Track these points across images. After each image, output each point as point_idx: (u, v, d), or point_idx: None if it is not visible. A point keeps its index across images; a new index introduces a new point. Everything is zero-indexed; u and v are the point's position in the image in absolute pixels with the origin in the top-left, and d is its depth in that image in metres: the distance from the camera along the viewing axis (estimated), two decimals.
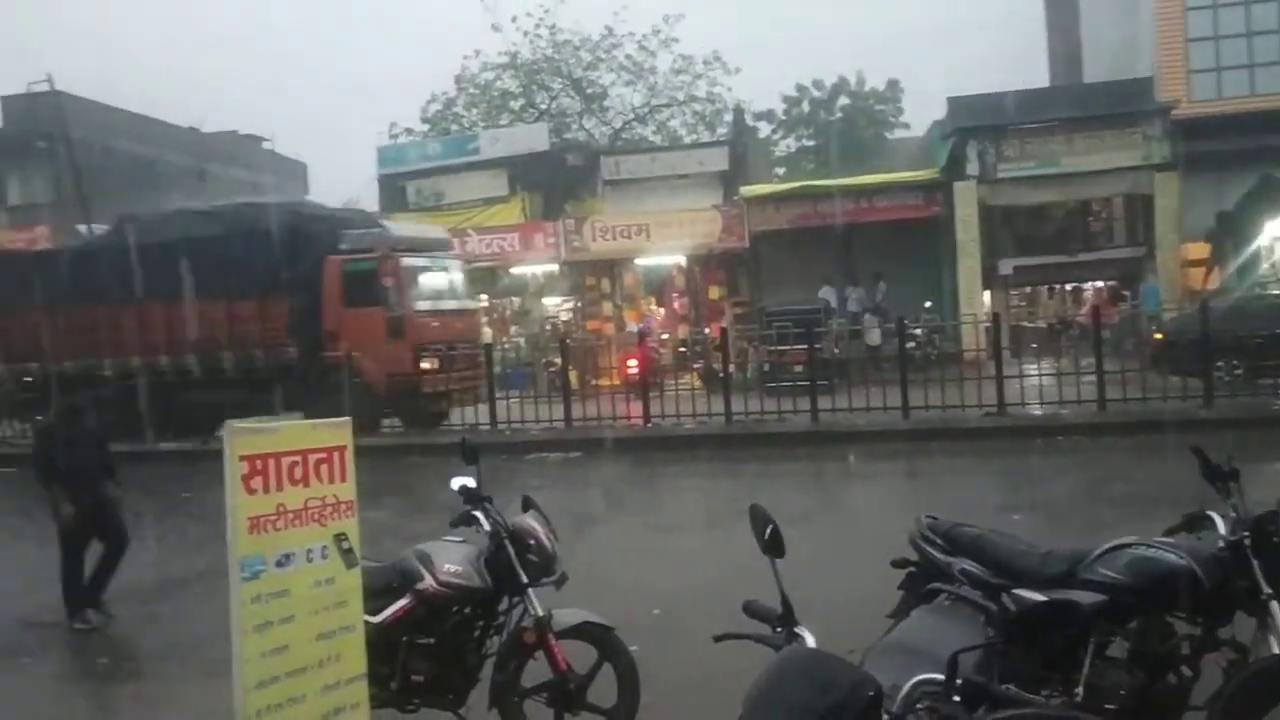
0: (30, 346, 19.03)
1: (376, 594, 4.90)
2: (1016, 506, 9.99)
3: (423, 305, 17.41)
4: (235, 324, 17.69)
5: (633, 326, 22.84)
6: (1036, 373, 16.39)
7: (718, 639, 3.20)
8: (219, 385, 17.33)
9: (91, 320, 18.50)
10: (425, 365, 17.07)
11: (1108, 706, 3.92)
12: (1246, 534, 4.02)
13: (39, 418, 12.52)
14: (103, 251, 19.17)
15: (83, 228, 28.83)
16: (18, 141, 32.08)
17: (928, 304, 21.95)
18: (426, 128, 39.50)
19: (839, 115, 43.68)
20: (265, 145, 46.66)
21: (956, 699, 2.35)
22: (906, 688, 2.48)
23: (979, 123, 22.66)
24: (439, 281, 18.29)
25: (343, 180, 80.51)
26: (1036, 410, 15.05)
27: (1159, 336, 16.27)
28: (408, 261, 17.39)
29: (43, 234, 32.00)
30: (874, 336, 20.52)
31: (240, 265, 17.51)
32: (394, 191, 27.77)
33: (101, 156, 33.36)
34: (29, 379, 19.24)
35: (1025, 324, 22.21)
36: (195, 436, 16.34)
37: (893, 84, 44.10)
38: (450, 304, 18.23)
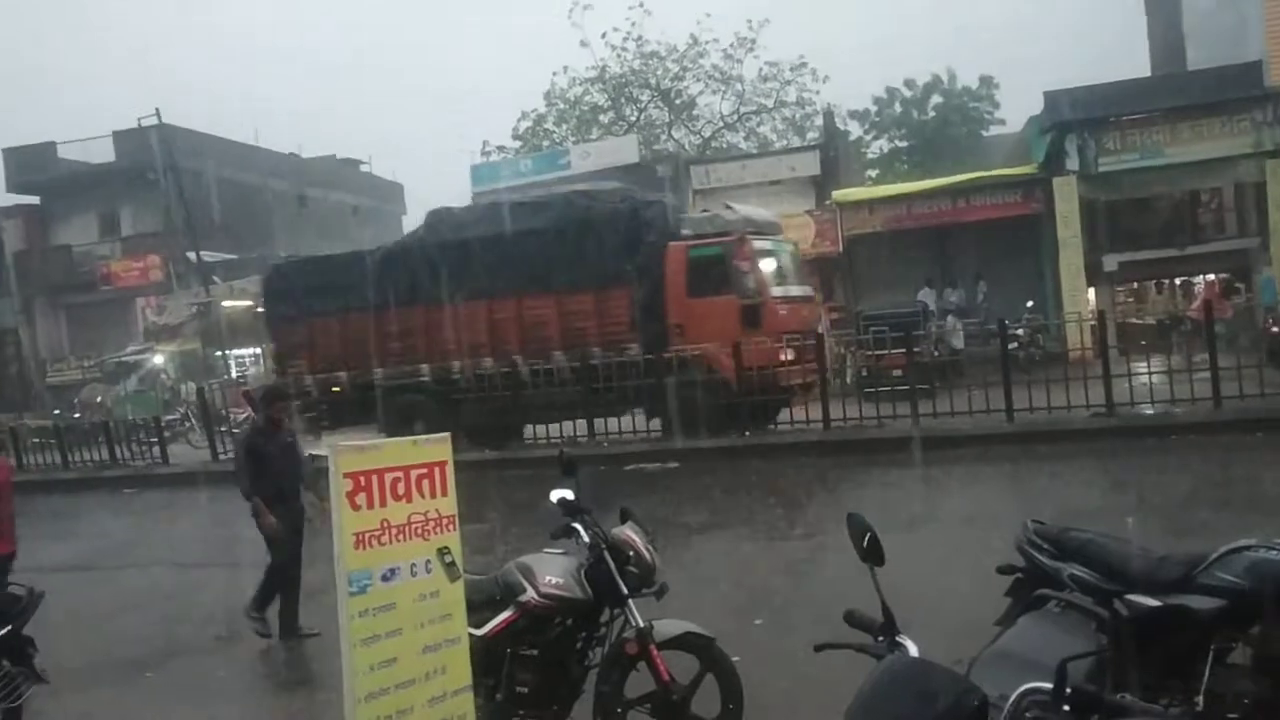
0: (339, 354, 18.29)
1: (479, 606, 4.97)
2: (1128, 509, 9.69)
3: (775, 292, 16.38)
4: (568, 321, 16.61)
5: None
6: (1146, 371, 15.89)
7: (819, 649, 3.18)
8: (551, 387, 16.52)
9: (406, 324, 17.65)
10: (785, 356, 15.99)
11: (1230, 716, 3.77)
12: None
13: (239, 429, 12.38)
14: (415, 251, 17.99)
15: (193, 255, 29.93)
16: (129, 174, 33.40)
17: (1030, 303, 21.47)
18: (518, 145, 40.04)
19: (932, 114, 43.01)
20: (363, 168, 47.75)
21: (1066, 708, 2.29)
22: (1014, 697, 2.42)
23: (1078, 116, 22.11)
24: (783, 266, 17.22)
25: (438, 200, 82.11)
26: (1147, 409, 14.58)
27: (1277, 330, 15.68)
28: (758, 244, 16.41)
29: (154, 263, 33.29)
30: (957, 340, 20.12)
31: (572, 257, 16.39)
32: None
33: (208, 186, 34.58)
34: (336, 389, 18.50)
35: (1133, 321, 21.55)
36: (517, 443, 16.59)
37: (986, 80, 43.29)
38: (795, 290, 17.24)
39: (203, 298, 29.19)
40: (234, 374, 29.15)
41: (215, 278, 30.51)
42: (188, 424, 23.19)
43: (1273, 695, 3.85)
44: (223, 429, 21.22)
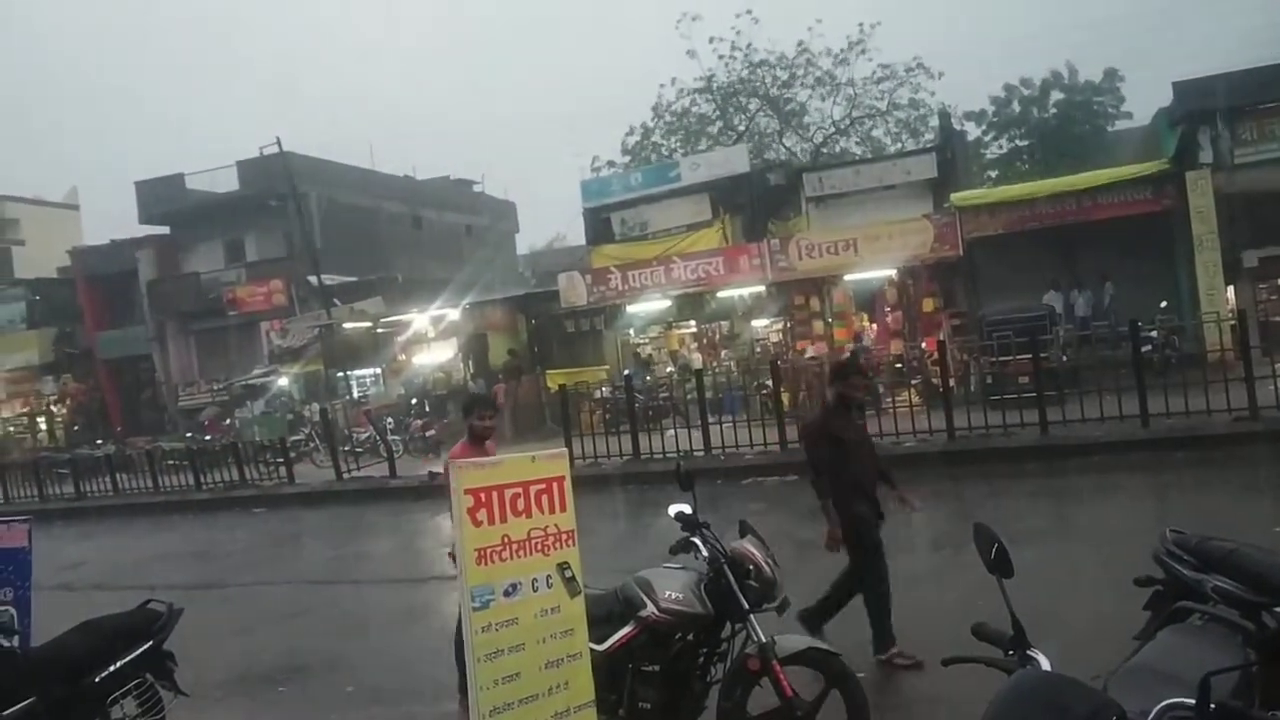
0: None
1: (600, 622, 4.97)
2: (1276, 518, 9.24)
3: None
4: None
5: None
6: None
7: (947, 663, 3.10)
8: None
9: None
10: None
11: None
12: None
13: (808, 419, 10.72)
14: None
15: (313, 278, 30.83)
16: (252, 202, 34.61)
17: (1163, 304, 20.64)
18: (627, 159, 40.29)
19: (1053, 111, 41.81)
20: (476, 188, 48.63)
21: None
22: (1154, 713, 2.32)
23: (1210, 106, 21.20)
24: None
25: (551, 216, 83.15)
26: None
27: None
28: None
29: (277, 287, 34.44)
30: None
31: None
32: (599, 224, 28.38)
33: (327, 210, 35.64)
34: None
35: (1277, 319, 20.55)
36: None
37: (1110, 73, 41.89)
38: None
39: (324, 320, 30.05)
40: (355, 394, 29.93)
41: (335, 300, 31.38)
42: (312, 444, 23.90)
43: None
44: (345, 448, 21.81)
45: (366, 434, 23.49)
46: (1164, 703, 2.31)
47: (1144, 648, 3.65)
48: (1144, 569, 4.55)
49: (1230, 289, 21.22)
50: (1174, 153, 21.75)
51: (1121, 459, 13.32)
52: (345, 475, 20.54)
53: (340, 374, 30.15)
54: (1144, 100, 43.86)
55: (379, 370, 31.05)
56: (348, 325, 29.28)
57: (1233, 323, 16.08)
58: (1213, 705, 2.16)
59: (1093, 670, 3.27)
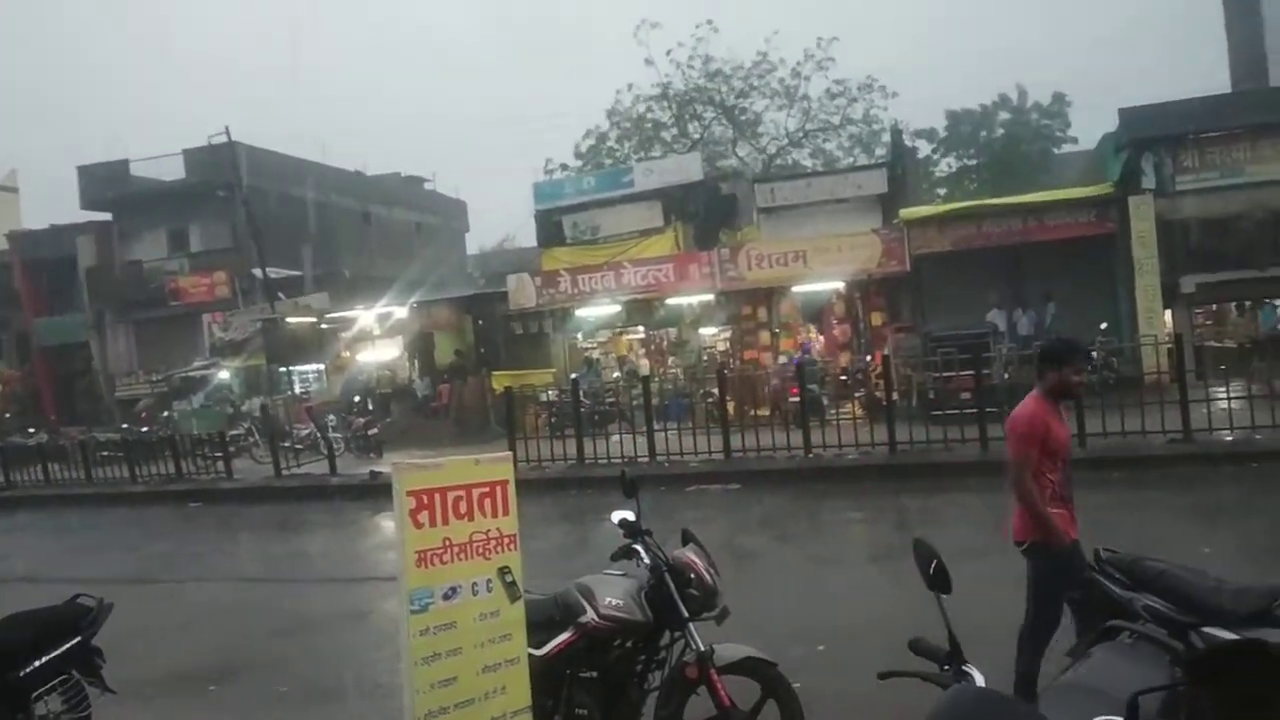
0: None
1: (539, 627, 4.95)
2: (1205, 539, 9.44)
3: None
4: None
5: (785, 356, 22.67)
6: (1225, 396, 15.48)
7: (883, 676, 3.12)
8: None
9: None
10: None
11: None
12: None
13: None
14: None
15: (259, 271, 30.44)
16: (199, 192, 34.16)
17: (1103, 325, 21.02)
18: (580, 162, 40.28)
19: (1001, 132, 42.46)
20: (427, 185, 48.36)
21: None
22: None
23: (1154, 133, 21.67)
24: None
25: (501, 217, 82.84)
26: (1226, 436, 14.20)
27: None
28: None
29: (221, 279, 33.99)
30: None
31: None
32: (550, 226, 28.34)
33: (275, 202, 35.24)
34: None
35: (1212, 344, 21.03)
36: None
37: (1058, 97, 42.64)
38: None
39: (267, 314, 29.70)
40: (297, 390, 29.60)
41: (280, 294, 31.02)
42: (252, 439, 23.58)
43: None
44: (285, 445, 21.54)
45: (307, 431, 23.22)
46: None
47: (1075, 665, 3.71)
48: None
49: (1168, 313, 21.67)
50: (1118, 177, 22.17)
51: None
52: (284, 472, 20.30)
53: (283, 369, 29.77)
54: (1091, 125, 44.67)
55: (322, 367, 30.71)
56: (292, 320, 28.94)
57: (1169, 346, 16.41)
58: None
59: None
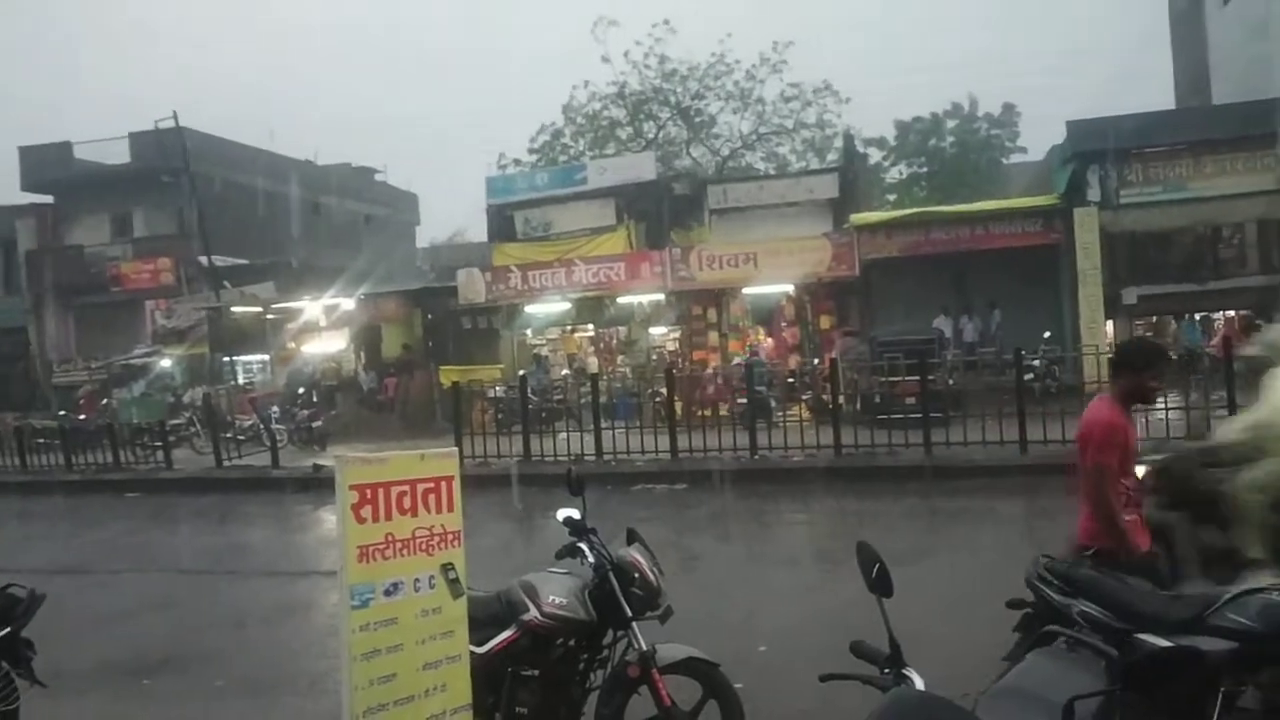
0: None
1: (481, 624, 4.92)
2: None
3: None
4: None
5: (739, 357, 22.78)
6: (1163, 407, 15.77)
7: (824, 679, 3.14)
8: None
9: None
10: None
11: None
12: None
13: None
14: None
15: (204, 259, 30.02)
16: (144, 176, 33.55)
17: (1047, 334, 21.34)
18: (534, 158, 40.17)
19: (951, 141, 42.98)
20: (378, 177, 47.97)
21: None
22: None
23: (1100, 147, 22.01)
24: None
25: (453, 211, 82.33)
26: (1164, 445, 14.44)
27: None
28: None
29: (165, 266, 33.44)
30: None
31: None
32: (502, 221, 28.19)
33: (222, 189, 34.75)
34: None
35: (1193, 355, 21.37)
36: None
37: (1009, 108, 43.29)
38: None
39: (212, 302, 29.27)
40: (240, 380, 29.21)
41: (226, 283, 30.60)
42: (193, 429, 23.22)
43: None
44: (227, 435, 21.26)
45: (250, 422, 22.92)
46: None
47: (1012, 669, 3.75)
48: (1017, 592, 4.68)
49: (1110, 323, 22.05)
50: (1064, 189, 22.51)
51: (1000, 483, 13.71)
52: (226, 463, 20.03)
53: (226, 359, 29.39)
54: (1040, 137, 45.37)
55: (267, 357, 30.35)
56: (237, 309, 28.57)
57: (1110, 356, 16.67)
58: None
59: (964, 689, 3.35)
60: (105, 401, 29.25)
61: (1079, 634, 4.04)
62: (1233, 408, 14.02)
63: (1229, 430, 6.83)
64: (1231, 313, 22.84)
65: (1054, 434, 14.42)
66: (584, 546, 5.15)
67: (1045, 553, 4.69)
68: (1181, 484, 6.63)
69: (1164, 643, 3.92)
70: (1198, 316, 23.86)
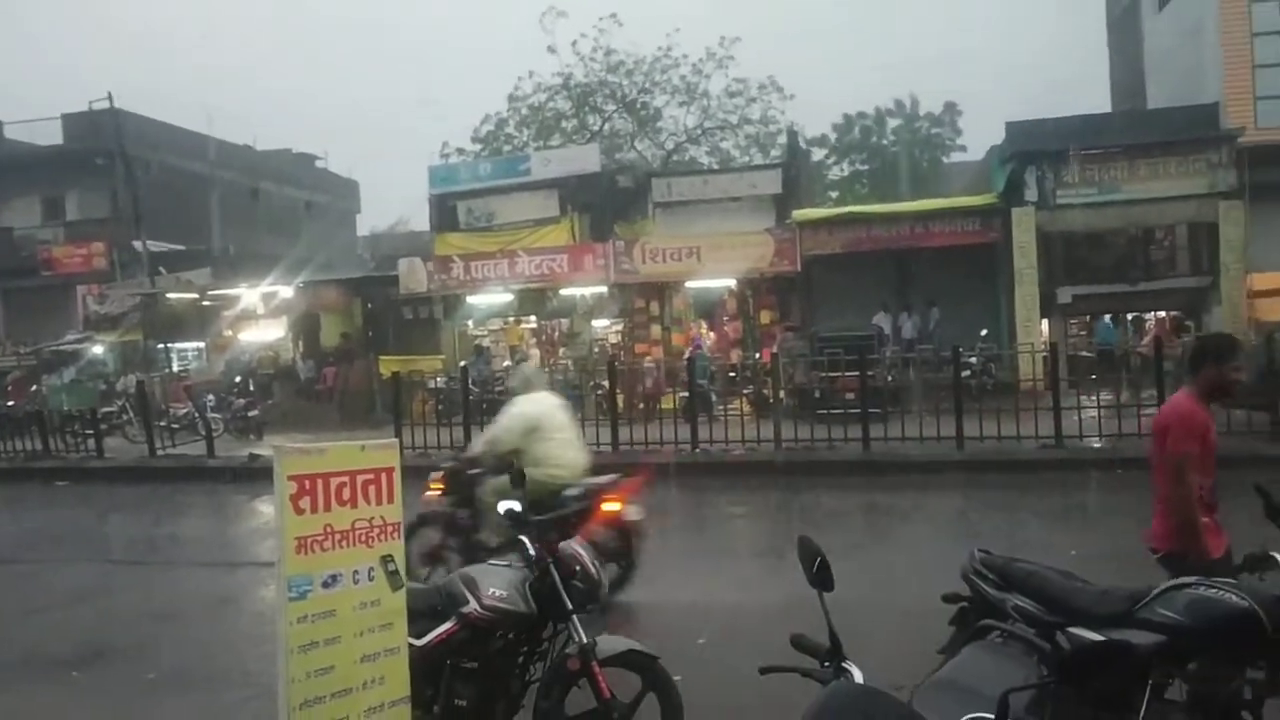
0: None
1: (420, 616, 4.89)
2: (1072, 542, 9.80)
3: None
4: None
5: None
6: (1095, 404, 16.08)
7: (764, 671, 3.16)
8: None
9: None
10: None
11: None
12: None
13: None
14: None
15: (138, 244, 29.43)
16: (77, 158, 32.82)
17: (984, 332, 21.66)
18: (478, 148, 39.92)
19: (892, 139, 43.43)
20: (318, 163, 47.39)
21: None
22: None
23: (1038, 148, 22.38)
24: None
25: (395, 199, 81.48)
26: (1095, 443, 14.76)
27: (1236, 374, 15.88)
28: None
29: (98, 250, 32.75)
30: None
31: None
32: (445, 211, 27.97)
33: (158, 173, 34.09)
34: None
35: (1085, 354, 21.85)
36: None
37: (949, 107, 43.89)
38: None
39: (147, 288, 28.71)
40: (175, 368, 28.70)
41: (161, 268, 30.03)
42: (125, 417, 22.74)
43: None
44: (161, 424, 20.87)
45: (185, 410, 22.50)
46: (965, 718, 2.41)
47: (948, 663, 3.81)
48: (953, 586, 4.74)
49: (1045, 322, 22.44)
50: (1003, 188, 22.85)
51: (936, 478, 13.91)
52: (159, 452, 19.65)
53: (161, 346, 28.83)
54: (980, 136, 46.01)
55: (203, 345, 29.85)
56: (172, 295, 28.07)
57: (1045, 355, 16.98)
58: None
59: (901, 682, 3.40)
60: (35, 388, 28.53)
61: (1012, 628, 4.11)
62: (1162, 403, 14.31)
63: (476, 444, 8.97)
64: (1162, 313, 23.33)
65: (990, 431, 14.66)
66: (525, 539, 5.13)
67: (981, 547, 4.76)
68: (458, 485, 8.42)
69: (1095, 636, 4.00)
70: (1130, 316, 24.33)
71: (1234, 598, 3.94)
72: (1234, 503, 5.35)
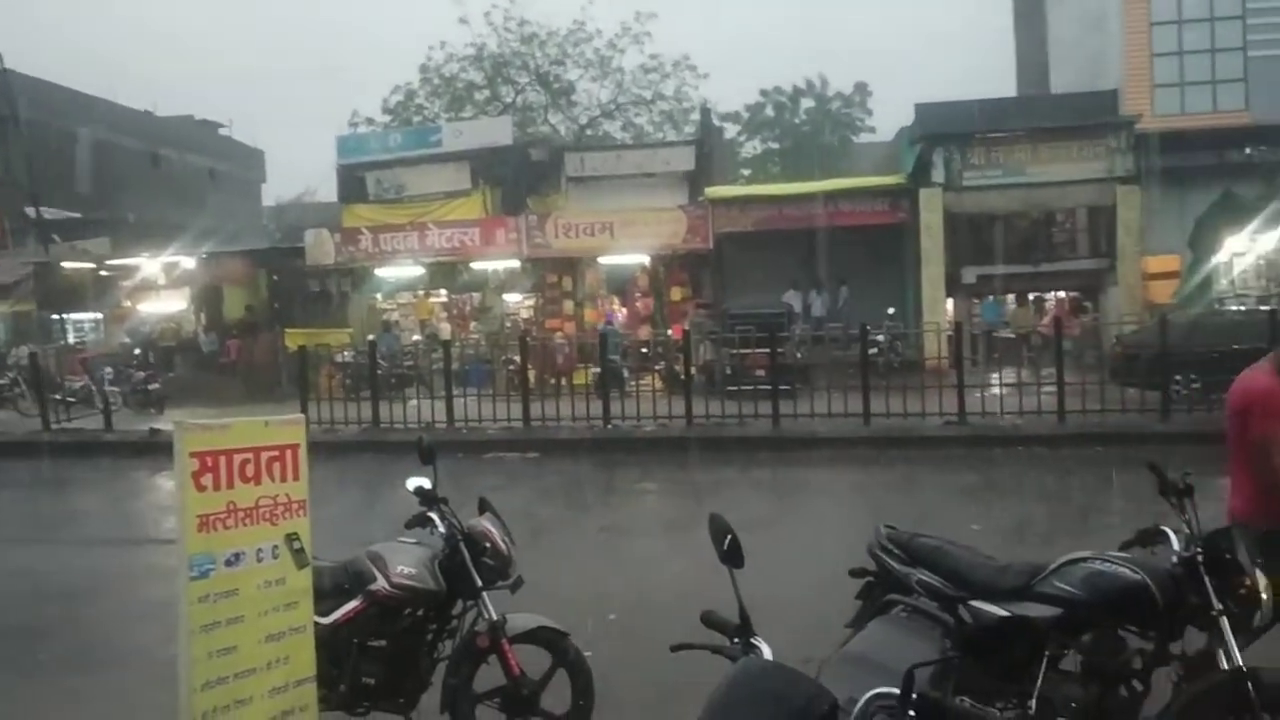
0: None
1: (327, 594, 4.82)
2: (975, 517, 10.04)
3: None
4: None
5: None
6: (998, 383, 16.48)
7: (675, 649, 3.18)
8: None
9: None
10: None
11: (1060, 719, 3.93)
12: (1199, 551, 4.05)
13: None
14: None
15: (32, 210, 28.38)
16: None
17: (891, 310, 22.03)
18: (388, 118, 39.30)
19: (804, 118, 43.81)
20: (222, 131, 46.21)
21: (912, 714, 2.33)
22: (862, 702, 2.46)
23: (946, 130, 22.78)
24: None
25: (301, 169, 79.78)
26: (997, 420, 15.14)
27: (1118, 350, 16.46)
28: None
29: None
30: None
31: None
32: (353, 182, 27.45)
33: (52, 138, 32.86)
34: None
35: (988, 333, 22.37)
36: None
37: (860, 87, 44.40)
38: None
39: (41, 257, 27.71)
40: (71, 339, 27.78)
41: (55, 236, 29.01)
42: (18, 390, 21.96)
43: (1099, 699, 4.03)
44: (56, 397, 20.21)
45: (82, 383, 21.79)
46: (871, 692, 2.45)
47: (855, 637, 3.87)
48: (859, 560, 4.82)
49: (950, 302, 22.90)
50: (911, 169, 23.20)
51: (844, 454, 14.15)
52: (54, 426, 19.04)
53: (56, 317, 27.88)
54: (890, 117, 46.59)
55: (101, 316, 28.94)
56: (68, 265, 27.15)
57: (949, 334, 17.35)
58: (915, 695, 2.31)
59: (808, 655, 3.44)
60: None
61: (917, 602, 4.20)
62: (1061, 381, 14.77)
63: None
64: (1062, 294, 23.97)
65: (895, 408, 14.93)
66: (434, 516, 5.07)
67: (887, 523, 4.84)
68: None
69: (996, 610, 4.12)
70: (1031, 297, 24.93)
71: (1128, 571, 4.08)
72: (1128, 478, 5.53)
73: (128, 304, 28.01)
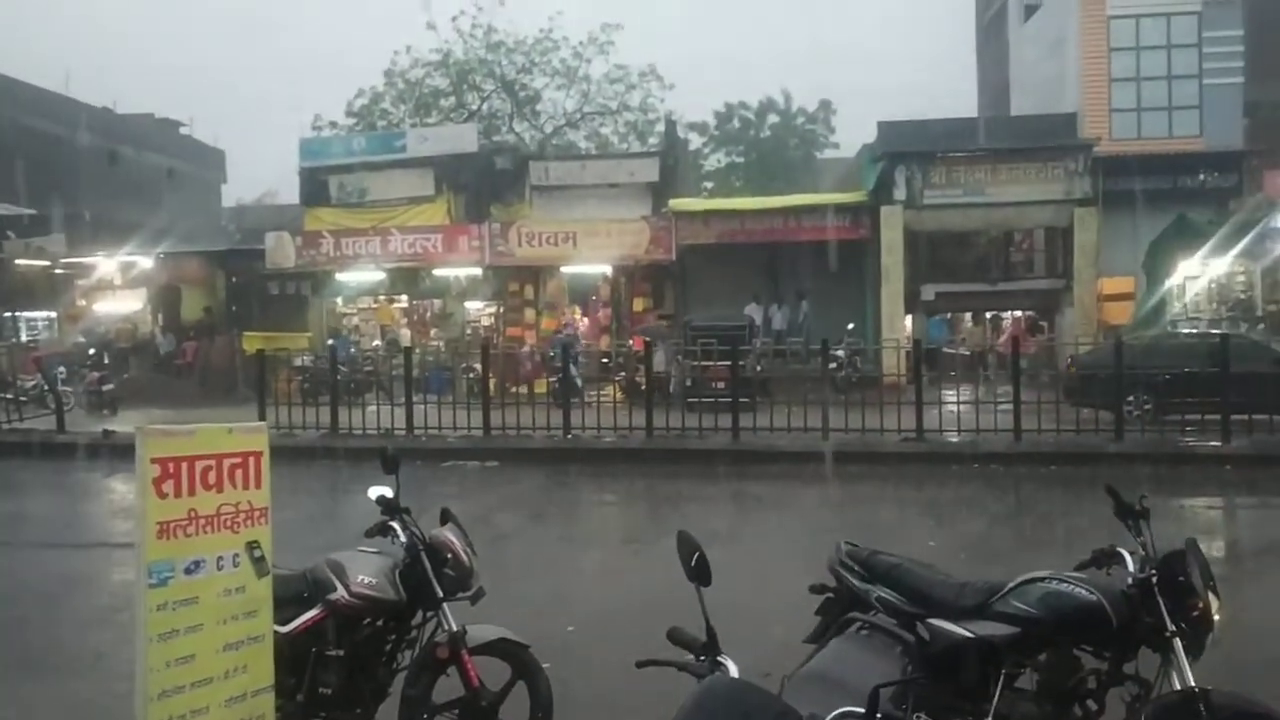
0: None
1: (286, 603, 4.77)
2: (932, 533, 10.13)
3: None
4: None
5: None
6: (955, 400, 16.64)
7: (640, 665, 3.18)
8: None
9: None
10: None
11: None
12: (1154, 572, 4.11)
13: None
14: None
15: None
16: None
17: (850, 326, 22.17)
18: (352, 121, 39.06)
19: (768, 133, 44.06)
20: (183, 130, 45.74)
21: None
22: None
23: (908, 148, 23.02)
24: None
25: (263, 171, 78.86)
26: (954, 437, 15.27)
27: (1072, 370, 16.67)
28: None
29: None
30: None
31: None
32: (315, 185, 27.21)
33: (7, 132, 32.39)
34: None
35: (946, 350, 22.59)
36: None
37: (824, 104, 44.71)
38: None
39: None
40: (24, 338, 27.34)
41: (9, 233, 28.55)
42: None
43: (1054, 718, 4.08)
44: (8, 397, 19.87)
45: (34, 382, 21.44)
46: (837, 711, 2.47)
47: (817, 655, 3.90)
48: (819, 576, 4.85)
49: (909, 318, 23.11)
50: (873, 187, 23.41)
51: (803, 468, 14.19)
52: (5, 426, 18.71)
53: (8, 314, 27.44)
54: (853, 134, 46.88)
55: (55, 314, 28.51)
56: (21, 262, 26.73)
57: (908, 350, 17.50)
58: (879, 716, 2.34)
59: (768, 670, 3.46)
60: None
61: (876, 619, 4.24)
62: (1017, 400, 14.94)
63: None
64: (1019, 313, 24.26)
65: (854, 423, 15.01)
66: (396, 525, 5.04)
67: (847, 539, 4.88)
68: None
69: (954, 628, 4.16)
70: (989, 315, 25.20)
71: (1084, 592, 4.13)
72: (1082, 497, 5.61)
73: (83, 303, 27.64)
